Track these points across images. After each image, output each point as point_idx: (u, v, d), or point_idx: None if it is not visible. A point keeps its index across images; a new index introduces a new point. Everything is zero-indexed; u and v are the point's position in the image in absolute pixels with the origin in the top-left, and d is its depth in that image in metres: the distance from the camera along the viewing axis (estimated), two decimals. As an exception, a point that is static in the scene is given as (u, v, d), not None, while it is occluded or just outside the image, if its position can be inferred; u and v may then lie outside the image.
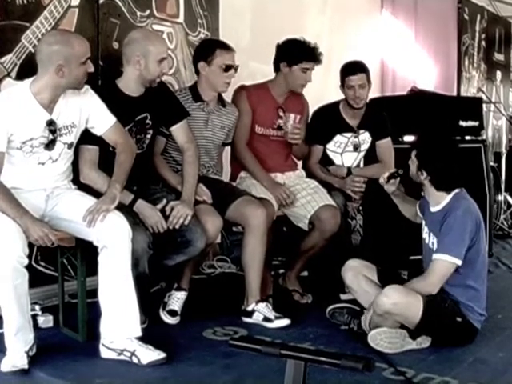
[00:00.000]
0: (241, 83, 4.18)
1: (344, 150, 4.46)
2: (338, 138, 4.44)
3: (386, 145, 4.53)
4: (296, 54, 4.07)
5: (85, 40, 3.16)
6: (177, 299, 3.75)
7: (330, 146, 4.45)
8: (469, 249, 3.27)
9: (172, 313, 3.71)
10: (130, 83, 3.54)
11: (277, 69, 4.17)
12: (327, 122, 4.39)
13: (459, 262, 3.23)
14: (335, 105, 4.48)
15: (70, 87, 3.14)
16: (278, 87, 4.19)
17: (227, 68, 3.84)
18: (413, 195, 3.78)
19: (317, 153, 4.44)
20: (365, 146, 4.52)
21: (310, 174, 4.40)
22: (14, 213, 2.94)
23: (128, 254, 3.07)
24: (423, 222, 3.54)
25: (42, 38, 3.36)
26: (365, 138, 4.49)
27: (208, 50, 3.90)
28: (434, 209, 3.42)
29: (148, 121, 3.61)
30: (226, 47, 3.90)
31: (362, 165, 4.57)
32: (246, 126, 4.11)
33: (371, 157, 4.56)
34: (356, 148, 4.49)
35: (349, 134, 4.45)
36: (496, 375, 2.97)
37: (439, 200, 3.38)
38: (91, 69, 3.16)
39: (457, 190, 3.37)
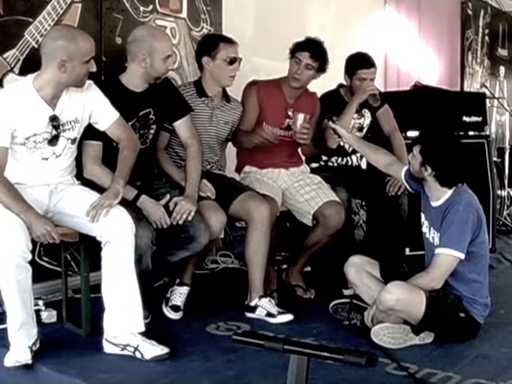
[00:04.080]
0: (249, 79, 4.17)
1: (351, 133, 4.49)
2: None
3: (384, 111, 4.58)
4: (296, 44, 4.08)
5: (90, 39, 3.14)
6: (179, 294, 3.76)
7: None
8: (471, 242, 3.26)
9: (175, 308, 3.72)
10: (134, 79, 3.54)
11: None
12: (333, 107, 4.38)
13: (462, 256, 3.23)
14: (336, 91, 4.54)
15: (70, 84, 3.13)
16: (287, 85, 4.16)
17: (231, 61, 3.82)
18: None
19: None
20: (367, 123, 4.59)
21: (330, 137, 4.31)
22: (18, 208, 2.95)
23: (131, 249, 3.07)
24: (422, 216, 3.53)
25: (48, 33, 3.36)
26: (366, 115, 4.58)
27: (211, 44, 3.89)
28: (434, 203, 3.41)
29: (151, 116, 3.61)
30: (228, 41, 3.89)
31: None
32: (250, 121, 4.09)
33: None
34: (360, 129, 4.54)
35: (355, 116, 4.48)
36: (499, 370, 2.96)
37: (440, 195, 3.37)
38: (93, 68, 3.15)
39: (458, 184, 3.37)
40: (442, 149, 3.36)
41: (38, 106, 3.08)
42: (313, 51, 4.03)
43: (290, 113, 4.11)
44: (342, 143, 4.45)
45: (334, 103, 4.41)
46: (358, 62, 4.36)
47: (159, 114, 3.64)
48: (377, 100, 4.42)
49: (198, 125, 3.83)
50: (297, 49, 4.06)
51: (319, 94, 4.46)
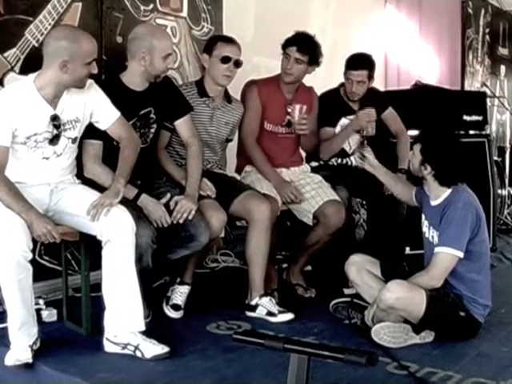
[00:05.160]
0: (250, 78, 4.17)
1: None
2: (343, 121, 4.50)
3: (390, 114, 4.61)
4: (286, 41, 4.07)
5: (93, 40, 3.14)
6: (180, 293, 3.76)
7: (337, 130, 4.49)
8: (470, 241, 3.27)
9: (175, 307, 3.72)
10: (134, 78, 3.53)
11: None
12: (332, 107, 4.39)
13: (461, 255, 3.23)
14: (336, 90, 4.55)
15: (71, 85, 3.12)
16: (283, 80, 4.17)
17: (224, 59, 3.80)
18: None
19: (327, 135, 4.44)
20: None
21: (324, 152, 4.40)
22: (19, 208, 2.94)
23: (132, 248, 3.07)
24: (423, 216, 3.54)
25: (51, 32, 3.35)
26: None
27: (211, 42, 3.92)
28: (434, 202, 3.41)
29: (152, 115, 3.61)
30: (227, 40, 3.89)
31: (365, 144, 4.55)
32: (255, 121, 4.09)
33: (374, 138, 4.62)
34: (357, 130, 4.51)
35: (352, 117, 4.48)
36: (499, 369, 2.96)
37: (439, 194, 3.38)
38: (95, 70, 3.15)
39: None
40: (441, 148, 3.38)
41: (39, 105, 3.07)
42: (300, 45, 4.02)
43: (289, 110, 4.11)
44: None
45: (333, 103, 4.43)
46: (349, 62, 4.37)
47: (160, 113, 3.64)
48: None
49: (198, 125, 3.83)
50: (286, 44, 4.05)
51: (319, 93, 4.47)
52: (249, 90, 4.12)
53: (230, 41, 3.88)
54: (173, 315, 3.70)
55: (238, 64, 3.86)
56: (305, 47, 4.02)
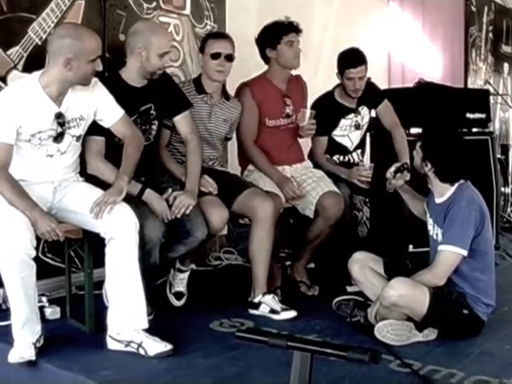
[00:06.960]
0: (253, 75, 4.18)
1: (350, 131, 4.53)
2: (342, 122, 4.50)
3: (384, 107, 4.58)
4: (273, 34, 4.09)
5: (97, 37, 3.15)
6: (180, 280, 3.79)
7: (336, 132, 4.49)
8: (474, 239, 3.26)
9: (178, 295, 3.73)
10: (132, 74, 3.54)
11: (266, 59, 4.18)
12: (328, 113, 4.39)
13: (465, 253, 3.23)
14: (330, 94, 4.53)
15: (76, 82, 3.13)
16: (276, 75, 4.18)
17: (214, 55, 3.83)
18: (418, 189, 3.77)
19: (322, 144, 4.46)
20: (366, 120, 4.60)
21: (317, 165, 4.41)
22: (24, 205, 2.95)
23: (135, 245, 3.07)
24: (428, 214, 3.54)
25: (55, 31, 3.37)
26: (364, 112, 4.57)
27: (203, 41, 3.97)
28: (438, 200, 3.42)
29: (152, 111, 3.61)
30: (217, 36, 3.95)
31: (367, 142, 4.50)
32: (252, 123, 4.10)
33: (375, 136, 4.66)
34: (357, 127, 4.54)
35: (351, 115, 4.50)
36: (503, 368, 2.96)
37: (443, 191, 3.38)
38: (99, 67, 3.15)
39: (461, 181, 3.37)
40: (441, 145, 3.39)
41: (44, 103, 3.08)
42: (295, 29, 4.09)
43: (288, 102, 4.15)
44: (344, 143, 4.47)
45: (329, 106, 4.42)
46: (346, 61, 4.34)
47: (160, 109, 3.64)
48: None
49: (197, 122, 3.84)
50: (282, 33, 4.06)
51: (319, 92, 4.48)
52: (242, 93, 4.14)
53: (220, 36, 3.93)
54: (176, 303, 3.73)
55: (229, 58, 3.87)
56: (297, 28, 4.10)
